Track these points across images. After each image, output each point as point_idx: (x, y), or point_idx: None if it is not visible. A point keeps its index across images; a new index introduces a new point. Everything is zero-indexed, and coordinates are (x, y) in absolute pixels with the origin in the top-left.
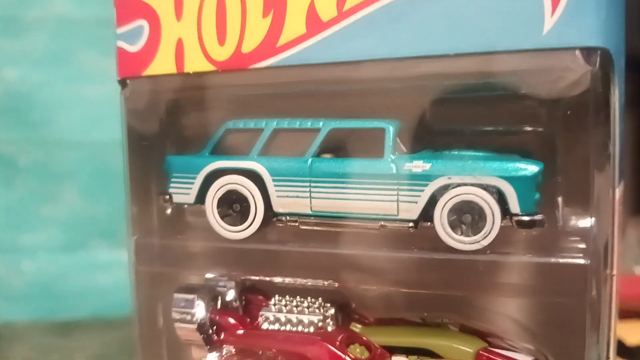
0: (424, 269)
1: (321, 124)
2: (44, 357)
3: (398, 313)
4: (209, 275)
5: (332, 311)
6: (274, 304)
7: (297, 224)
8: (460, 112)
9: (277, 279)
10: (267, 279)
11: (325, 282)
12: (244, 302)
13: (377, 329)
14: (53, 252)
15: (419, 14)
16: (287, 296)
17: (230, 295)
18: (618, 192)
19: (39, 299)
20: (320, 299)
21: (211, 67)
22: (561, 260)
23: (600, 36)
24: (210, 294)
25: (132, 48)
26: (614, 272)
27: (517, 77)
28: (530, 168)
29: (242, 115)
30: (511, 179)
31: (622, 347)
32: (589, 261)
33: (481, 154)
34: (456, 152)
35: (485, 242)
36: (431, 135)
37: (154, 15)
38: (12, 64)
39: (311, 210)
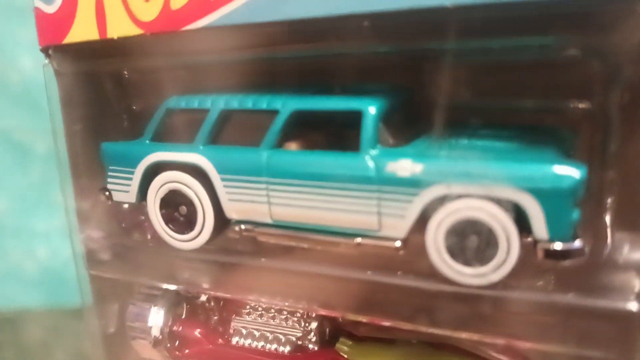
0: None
1: (280, 104)
2: (58, 339)
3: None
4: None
5: (314, 325)
6: (248, 313)
7: (253, 235)
8: (481, 81)
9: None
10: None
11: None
12: (221, 303)
13: (368, 348)
14: (66, 238)
15: None
16: (264, 303)
17: (203, 296)
18: None
19: (53, 283)
20: (301, 310)
21: (138, 31)
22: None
23: None
24: (175, 298)
25: (50, 8)
26: None
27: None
28: (568, 175)
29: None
30: (537, 192)
31: None
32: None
33: (499, 144)
34: (465, 141)
35: (495, 278)
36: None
37: None
38: (28, 53)
39: (271, 219)
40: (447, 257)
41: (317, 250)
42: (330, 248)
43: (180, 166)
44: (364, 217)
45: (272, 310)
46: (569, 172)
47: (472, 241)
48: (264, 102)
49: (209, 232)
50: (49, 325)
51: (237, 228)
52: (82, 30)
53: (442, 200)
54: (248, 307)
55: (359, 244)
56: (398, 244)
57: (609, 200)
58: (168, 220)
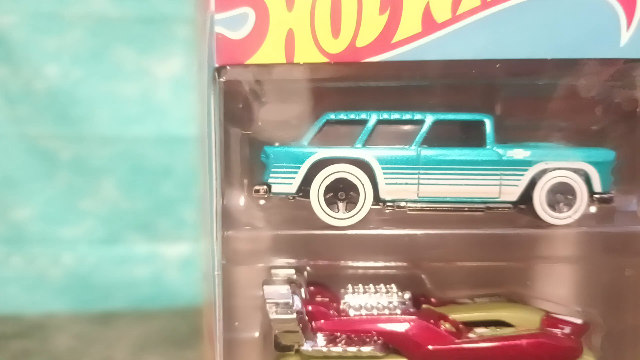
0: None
1: (425, 116)
2: (86, 346)
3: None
4: (275, 269)
5: (408, 295)
6: (352, 292)
7: (404, 210)
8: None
9: (353, 264)
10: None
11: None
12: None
13: (447, 308)
14: (92, 245)
15: (522, 21)
16: (359, 284)
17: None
18: None
19: (79, 290)
20: (393, 285)
21: (324, 59)
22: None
23: None
24: (296, 284)
25: (234, 35)
26: None
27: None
28: (609, 154)
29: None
30: (596, 164)
31: None
32: None
33: (563, 145)
34: (544, 144)
35: (576, 217)
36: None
37: (261, 3)
38: (53, 60)
39: (417, 196)
40: (547, 208)
41: (453, 215)
42: (462, 213)
43: (344, 161)
44: (489, 188)
45: (372, 287)
46: (609, 153)
47: (560, 197)
48: (412, 115)
49: (367, 211)
50: (76, 332)
51: (390, 205)
52: (269, 55)
53: (543, 172)
54: (349, 288)
55: (487, 207)
56: (511, 205)
57: None
58: (330, 202)
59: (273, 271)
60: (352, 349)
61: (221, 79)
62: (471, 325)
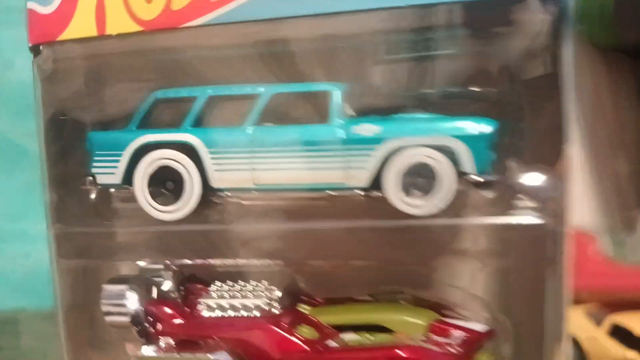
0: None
1: (261, 89)
2: (47, 345)
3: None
4: (142, 264)
5: (277, 294)
6: (215, 290)
7: (238, 200)
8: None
9: (217, 262)
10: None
11: (271, 262)
12: (183, 293)
13: (326, 308)
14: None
15: None
16: (228, 281)
17: (167, 285)
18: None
19: (43, 286)
20: (264, 282)
21: (137, 28)
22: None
23: None
24: (144, 284)
25: (45, 10)
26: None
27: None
28: (485, 127)
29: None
30: (465, 138)
31: (631, 338)
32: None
33: (431, 116)
34: (407, 115)
35: (441, 205)
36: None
37: None
38: (18, 53)
39: (254, 184)
40: (401, 194)
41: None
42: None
43: (169, 145)
44: (334, 173)
45: (238, 286)
46: (486, 125)
47: (420, 181)
48: (247, 89)
49: (195, 202)
50: (40, 329)
51: (223, 195)
52: (80, 28)
53: (397, 151)
54: (213, 286)
55: (331, 196)
56: (362, 192)
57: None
58: (155, 194)
59: (140, 268)
60: (188, 355)
61: (37, 59)
62: (349, 328)
